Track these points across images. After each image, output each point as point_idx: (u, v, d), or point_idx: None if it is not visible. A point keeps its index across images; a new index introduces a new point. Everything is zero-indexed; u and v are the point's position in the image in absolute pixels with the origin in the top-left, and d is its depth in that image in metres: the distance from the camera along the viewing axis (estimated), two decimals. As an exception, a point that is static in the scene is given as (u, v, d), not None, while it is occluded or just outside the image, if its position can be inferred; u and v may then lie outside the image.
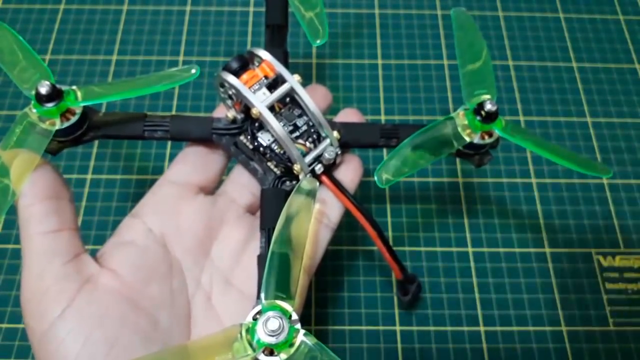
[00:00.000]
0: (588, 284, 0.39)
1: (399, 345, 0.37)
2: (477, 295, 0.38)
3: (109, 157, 0.43)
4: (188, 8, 0.50)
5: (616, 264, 0.40)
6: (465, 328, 0.37)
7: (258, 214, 0.31)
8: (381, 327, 0.37)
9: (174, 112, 0.45)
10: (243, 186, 0.31)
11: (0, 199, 0.24)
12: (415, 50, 0.49)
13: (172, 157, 0.43)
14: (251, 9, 0.51)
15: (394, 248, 0.32)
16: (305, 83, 0.30)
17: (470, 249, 0.40)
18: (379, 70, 0.48)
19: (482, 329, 0.37)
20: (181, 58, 0.47)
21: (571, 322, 0.38)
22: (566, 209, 0.42)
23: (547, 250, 0.40)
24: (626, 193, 0.43)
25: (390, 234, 0.40)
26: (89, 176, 0.42)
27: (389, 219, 0.41)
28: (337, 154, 0.30)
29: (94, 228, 0.40)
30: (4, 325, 0.36)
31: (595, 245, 0.41)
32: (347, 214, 0.31)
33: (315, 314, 0.38)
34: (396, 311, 0.38)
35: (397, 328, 0.37)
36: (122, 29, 0.49)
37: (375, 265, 0.39)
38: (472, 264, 0.39)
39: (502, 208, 0.42)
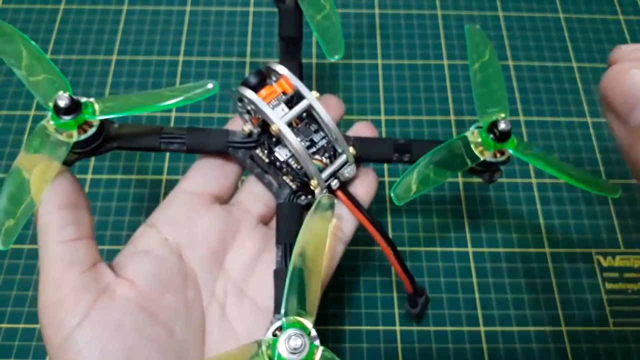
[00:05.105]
0: (588, 284, 0.39)
1: (399, 345, 0.37)
2: (477, 295, 0.38)
3: (109, 157, 0.43)
4: (188, 8, 0.50)
5: (616, 264, 0.40)
6: (465, 328, 0.37)
7: (271, 224, 0.31)
8: (381, 327, 0.37)
9: (174, 112, 0.45)
10: (257, 197, 0.31)
11: (22, 207, 0.24)
12: (415, 50, 0.49)
13: (173, 157, 0.43)
14: (251, 9, 0.51)
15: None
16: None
17: (470, 249, 0.40)
18: (379, 70, 0.48)
19: (482, 329, 0.37)
20: (181, 58, 0.47)
21: (571, 322, 0.38)
22: (566, 209, 0.42)
23: (547, 250, 0.40)
24: (626, 193, 0.43)
25: (390, 233, 0.40)
26: (89, 176, 0.42)
27: (389, 219, 0.41)
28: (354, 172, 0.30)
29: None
30: (4, 325, 0.36)
31: (595, 245, 0.41)
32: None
33: (315, 314, 0.37)
34: (396, 311, 0.38)
35: (397, 328, 0.37)
36: (122, 29, 0.49)
37: (375, 265, 0.39)
38: (472, 264, 0.39)
39: (502, 208, 0.42)
